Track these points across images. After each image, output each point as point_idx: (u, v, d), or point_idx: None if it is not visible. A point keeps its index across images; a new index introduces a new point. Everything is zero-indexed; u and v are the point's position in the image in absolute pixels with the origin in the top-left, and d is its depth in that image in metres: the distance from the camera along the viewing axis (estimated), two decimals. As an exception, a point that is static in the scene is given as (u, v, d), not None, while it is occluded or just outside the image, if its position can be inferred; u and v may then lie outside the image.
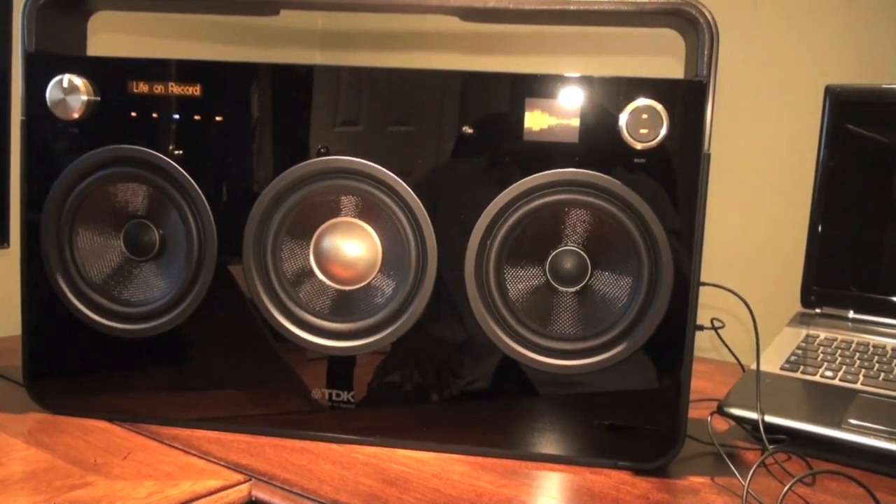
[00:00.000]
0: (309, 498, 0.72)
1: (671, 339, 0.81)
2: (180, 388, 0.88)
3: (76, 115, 0.85)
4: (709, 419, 0.85)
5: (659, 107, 0.78)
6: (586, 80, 0.80)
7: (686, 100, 0.79)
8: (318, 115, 0.84)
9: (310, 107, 0.84)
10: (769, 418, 0.88)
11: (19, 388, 0.90)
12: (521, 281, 0.83)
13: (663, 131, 0.79)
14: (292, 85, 0.85)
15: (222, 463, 0.78)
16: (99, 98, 0.86)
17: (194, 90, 0.85)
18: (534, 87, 0.81)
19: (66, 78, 0.85)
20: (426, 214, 0.82)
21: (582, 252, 0.82)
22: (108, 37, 1.19)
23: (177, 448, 0.81)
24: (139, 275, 0.89)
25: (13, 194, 0.87)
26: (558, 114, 0.80)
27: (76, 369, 0.89)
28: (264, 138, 0.85)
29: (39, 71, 0.86)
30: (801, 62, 1.44)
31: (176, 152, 0.85)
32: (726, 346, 0.95)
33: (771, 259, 1.35)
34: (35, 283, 0.88)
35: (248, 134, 0.85)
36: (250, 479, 0.75)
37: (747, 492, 0.70)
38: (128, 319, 0.88)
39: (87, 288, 0.88)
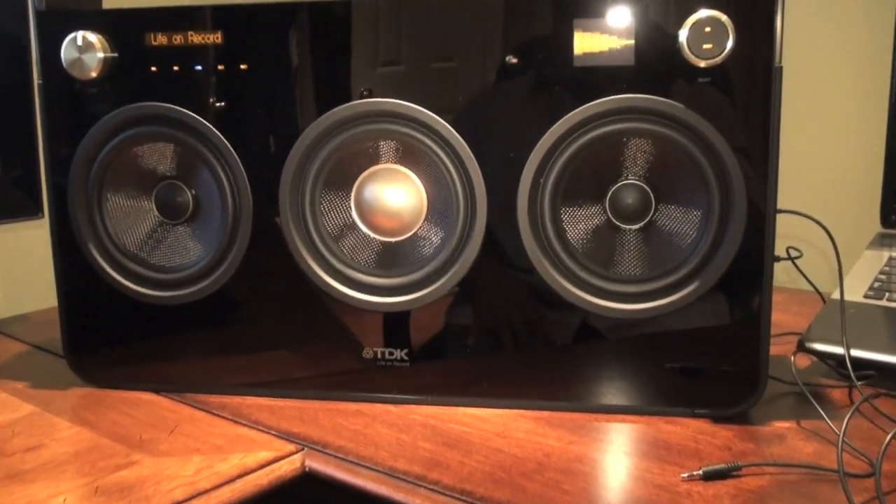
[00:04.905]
0: (365, 466, 0.68)
1: (747, 274, 0.74)
2: (226, 353, 0.84)
3: (94, 74, 0.80)
4: (792, 359, 0.78)
5: (723, 17, 0.70)
6: (640, -6, 0.72)
7: (753, 7, 0.71)
8: (356, 56, 0.78)
9: (345, 48, 0.78)
10: (855, 352, 0.81)
11: (63, 362, 0.87)
12: (580, 221, 0.77)
13: (729, 45, 0.70)
14: (324, 25, 0.78)
15: (273, 432, 0.74)
16: (116, 54, 0.81)
17: (216, 38, 0.79)
18: (581, 5, 0.73)
19: (80, 35, 0.80)
20: (471, 155, 0.76)
21: (644, 185, 0.75)
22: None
23: (226, 418, 0.78)
24: (174, 239, 0.84)
25: (43, 163, 0.83)
26: (610, 34, 0.73)
27: (117, 340, 0.86)
28: (294, 85, 0.79)
29: (51, 29, 0.81)
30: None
31: (202, 106, 0.80)
32: (805, 276, 0.88)
33: (845, 177, 1.26)
34: (67, 254, 0.84)
35: (277, 82, 0.79)
36: (303, 449, 0.71)
37: (843, 440, 0.64)
38: (166, 286, 0.84)
39: (122, 255, 0.84)
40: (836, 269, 0.85)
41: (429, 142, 0.77)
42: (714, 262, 0.74)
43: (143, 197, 0.84)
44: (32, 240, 1.17)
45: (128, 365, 0.85)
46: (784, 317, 1.00)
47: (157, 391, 0.84)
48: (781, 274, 0.95)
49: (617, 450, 0.70)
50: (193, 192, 0.83)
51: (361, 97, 0.77)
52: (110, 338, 0.86)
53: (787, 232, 0.86)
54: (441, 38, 0.76)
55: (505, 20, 0.75)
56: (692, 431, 0.73)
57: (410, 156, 0.79)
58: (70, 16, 0.81)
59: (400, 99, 0.76)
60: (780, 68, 0.71)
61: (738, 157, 0.72)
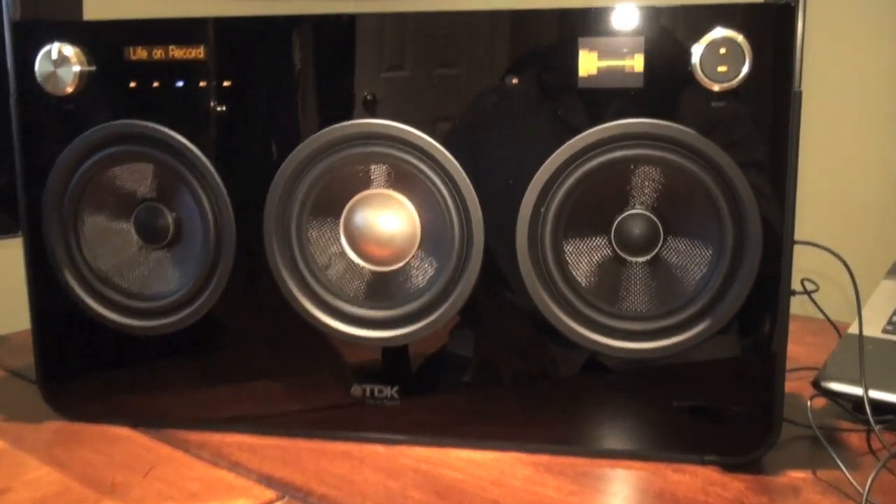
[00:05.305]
0: (350, 518, 0.63)
1: (762, 310, 0.69)
2: (208, 385, 0.79)
3: (70, 90, 0.76)
4: (809, 403, 0.73)
5: (739, 38, 0.66)
6: (650, 11, 0.67)
7: (771, 28, 0.66)
8: (344, 78, 0.73)
9: (334, 69, 0.73)
10: (874, 393, 0.76)
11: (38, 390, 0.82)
12: (583, 253, 0.72)
13: (745, 68, 0.66)
14: (314, 41, 0.74)
15: (254, 476, 0.69)
16: (94, 68, 0.76)
17: (198, 52, 0.74)
18: (586, 23, 0.68)
19: (56, 48, 0.75)
20: (468, 181, 0.71)
21: (652, 216, 0.70)
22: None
23: (204, 459, 0.73)
24: (154, 264, 0.80)
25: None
26: (618, 54, 0.68)
27: (93, 370, 0.81)
28: (281, 104, 0.75)
29: (26, 41, 0.76)
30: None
31: (183, 124, 0.75)
32: (822, 312, 0.83)
33: (861, 204, 1.21)
34: (42, 278, 0.79)
35: (262, 100, 0.75)
36: (283, 497, 0.66)
37: (867, 500, 0.59)
38: (144, 315, 0.79)
39: (98, 281, 0.79)
40: (851, 298, 0.80)
41: (423, 166, 0.72)
42: (726, 300, 0.69)
43: (122, 220, 0.80)
44: (12, 258, 1.12)
45: (104, 397, 0.81)
46: (797, 348, 0.95)
47: (134, 426, 0.80)
48: (793, 302, 0.90)
49: (622, 502, 0.65)
50: (175, 214, 0.79)
51: (364, 103, 0.72)
52: (86, 368, 0.81)
53: (800, 262, 0.81)
54: (442, 51, 0.72)
55: (502, 39, 0.71)
56: (701, 482, 0.68)
57: (403, 181, 0.74)
58: (45, 27, 0.76)
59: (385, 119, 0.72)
60: (800, 93, 0.66)
61: (753, 188, 0.67)
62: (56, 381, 0.81)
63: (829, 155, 1.19)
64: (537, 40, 0.71)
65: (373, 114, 0.72)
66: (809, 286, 0.82)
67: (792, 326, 0.79)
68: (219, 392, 0.79)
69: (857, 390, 0.76)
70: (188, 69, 0.74)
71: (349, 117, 0.72)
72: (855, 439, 0.76)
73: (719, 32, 0.66)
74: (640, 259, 0.71)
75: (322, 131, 0.72)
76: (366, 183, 0.74)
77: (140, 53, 0.75)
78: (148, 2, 1.23)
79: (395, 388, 0.75)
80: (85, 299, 0.79)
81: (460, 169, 0.71)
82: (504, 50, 0.71)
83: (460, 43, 0.71)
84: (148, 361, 0.80)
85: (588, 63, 0.68)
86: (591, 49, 0.68)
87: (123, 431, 0.79)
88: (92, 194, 0.79)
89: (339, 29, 0.73)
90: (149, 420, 0.80)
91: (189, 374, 0.79)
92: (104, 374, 0.81)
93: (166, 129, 0.75)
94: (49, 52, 0.75)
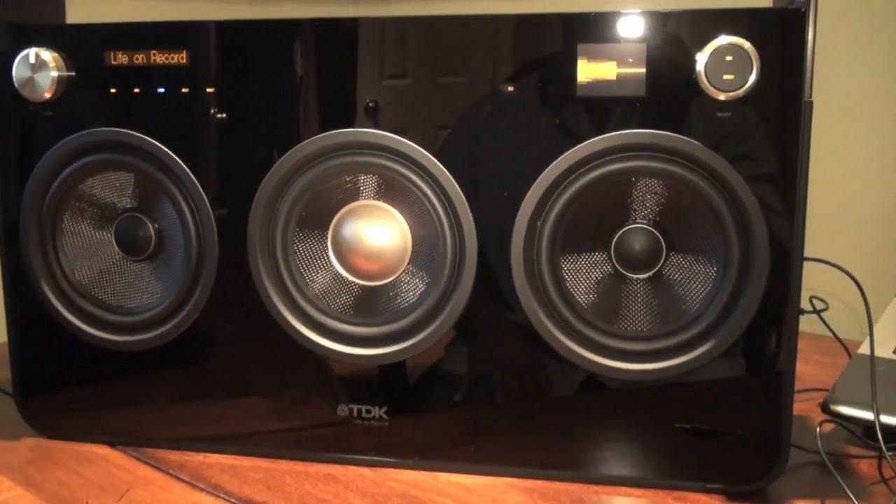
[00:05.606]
0: (332, 549, 0.60)
1: (768, 331, 0.66)
2: (189, 403, 0.76)
3: (48, 95, 0.73)
4: (818, 430, 0.70)
5: (746, 45, 0.62)
6: (653, 17, 0.64)
7: (780, 34, 0.63)
8: (333, 84, 0.70)
9: (322, 74, 0.70)
10: (885, 418, 0.72)
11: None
12: (581, 269, 0.69)
13: (753, 76, 0.62)
14: (301, 46, 0.70)
15: (234, 500, 0.66)
16: (73, 73, 0.73)
17: (180, 58, 0.71)
18: (586, 28, 0.65)
19: (33, 52, 0.72)
20: (461, 193, 0.68)
21: (654, 230, 0.67)
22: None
23: (183, 481, 0.70)
24: (135, 277, 0.76)
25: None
26: (619, 61, 0.65)
27: (71, 386, 0.78)
28: (264, 111, 0.71)
29: (3, 45, 0.73)
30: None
31: (164, 132, 0.72)
32: (832, 331, 0.80)
33: (872, 221, 1.17)
34: (19, 290, 0.77)
35: (245, 107, 0.71)
36: (264, 525, 0.63)
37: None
38: (124, 330, 0.76)
39: (77, 295, 0.76)
40: (859, 316, 0.77)
41: (413, 177, 0.69)
42: (732, 319, 0.66)
43: (102, 230, 0.77)
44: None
45: (83, 413, 0.78)
46: (804, 367, 0.92)
47: (112, 445, 0.76)
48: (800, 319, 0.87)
49: (618, 534, 0.62)
50: (156, 225, 0.75)
51: (366, 110, 0.69)
52: (65, 383, 0.78)
53: (807, 279, 0.77)
54: (445, 57, 0.69)
55: (497, 45, 0.68)
56: (704, 511, 0.64)
57: (394, 192, 0.71)
58: (23, 30, 0.74)
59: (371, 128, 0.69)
60: (810, 103, 0.63)
61: (760, 202, 0.64)
62: (33, 396, 0.78)
63: (837, 167, 1.15)
64: (535, 46, 0.68)
65: (375, 121, 0.69)
66: (818, 304, 0.79)
67: (800, 344, 0.75)
68: (200, 410, 0.76)
69: (867, 414, 0.73)
70: (170, 75, 0.71)
71: (345, 125, 0.69)
72: (865, 466, 0.72)
73: (725, 39, 0.62)
74: (641, 276, 0.68)
75: (306, 140, 0.69)
76: (354, 194, 0.71)
77: (121, 58, 0.72)
78: (138, 6, 1.20)
79: (384, 409, 0.72)
80: (63, 312, 0.76)
81: (452, 180, 0.68)
82: (505, 56, 0.68)
83: (463, 49, 0.68)
84: (128, 377, 0.77)
85: (587, 70, 0.65)
86: (591, 56, 0.65)
87: (101, 450, 0.76)
88: (71, 204, 0.76)
89: (339, 34, 0.70)
90: (128, 438, 0.76)
91: (170, 390, 0.76)
92: (83, 389, 0.78)
93: (147, 138, 0.72)
94: (27, 56, 0.72)
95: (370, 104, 0.69)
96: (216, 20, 0.71)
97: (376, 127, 0.69)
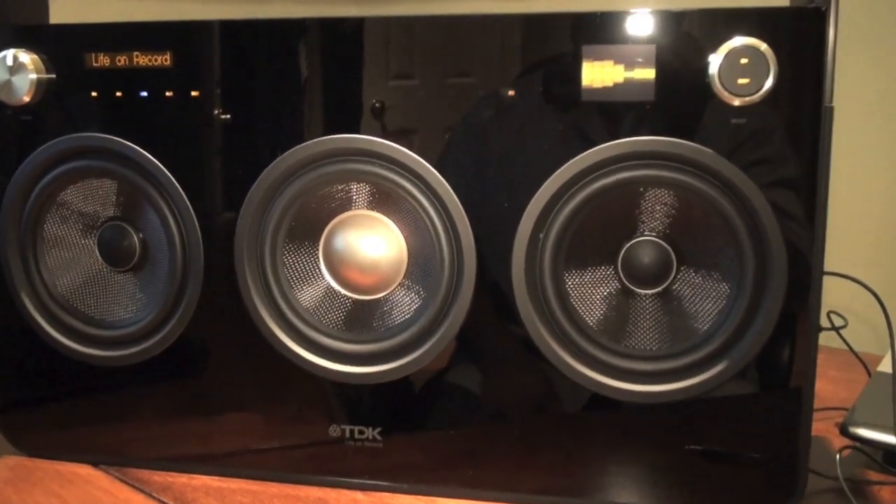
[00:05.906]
0: (319, 584, 0.56)
1: (785, 350, 0.62)
2: (174, 420, 0.72)
3: (27, 99, 0.70)
4: (837, 456, 0.66)
5: (763, 46, 0.58)
6: (663, 16, 0.60)
7: (798, 35, 0.59)
8: (325, 88, 0.66)
9: (314, 77, 0.66)
10: (902, 441, 0.68)
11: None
12: (587, 284, 0.65)
13: (770, 80, 0.58)
14: (287, 48, 0.67)
15: (218, 528, 0.63)
16: (53, 76, 0.70)
17: (164, 59, 0.68)
18: (591, 29, 0.61)
19: (11, 54, 0.69)
20: (458, 203, 0.64)
21: (664, 243, 0.63)
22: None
23: (166, 505, 0.66)
24: (118, 289, 0.73)
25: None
26: (627, 64, 0.61)
27: (53, 401, 0.75)
28: (252, 116, 0.68)
29: (-20, 46, 0.70)
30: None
31: (147, 138, 0.69)
32: (851, 349, 0.76)
33: (890, 233, 1.12)
34: (-1, 303, 0.73)
35: (232, 111, 0.68)
36: (248, 556, 0.60)
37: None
38: (106, 344, 0.72)
39: (58, 308, 0.73)
40: (878, 331, 0.73)
41: (409, 185, 0.65)
42: (746, 338, 0.62)
43: (85, 240, 0.73)
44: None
45: (64, 431, 0.74)
46: (820, 384, 0.86)
47: (95, 464, 0.73)
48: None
49: (624, 568, 0.58)
50: (141, 235, 0.72)
51: (373, 110, 0.65)
52: (46, 398, 0.75)
53: (824, 294, 0.74)
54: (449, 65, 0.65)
55: (498, 47, 0.64)
56: (716, 543, 0.61)
57: (388, 201, 0.67)
58: (0, 31, 0.70)
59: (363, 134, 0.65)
60: (831, 108, 0.59)
61: (777, 214, 0.60)
62: (14, 412, 0.75)
63: (855, 177, 1.10)
64: (539, 47, 0.64)
65: (381, 123, 0.65)
66: (836, 320, 0.75)
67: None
68: (186, 428, 0.72)
69: (889, 438, 0.69)
70: (153, 77, 0.68)
71: (348, 127, 0.65)
72: (886, 494, 0.68)
73: (740, 40, 0.59)
74: (650, 291, 0.64)
75: (296, 147, 0.65)
76: (347, 204, 0.68)
77: (103, 60, 0.69)
78: (128, 6, 1.17)
79: (377, 429, 0.68)
80: (43, 325, 0.73)
81: (449, 189, 0.64)
82: (513, 57, 0.64)
83: (470, 49, 0.64)
84: (112, 393, 0.74)
85: (593, 73, 0.61)
86: (597, 58, 0.61)
87: (83, 470, 0.72)
88: (52, 212, 0.73)
89: (340, 35, 0.66)
90: (111, 458, 0.73)
91: (155, 408, 0.73)
92: (64, 406, 0.75)
93: (130, 143, 0.69)
94: (4, 58, 0.69)
95: (376, 105, 0.65)
96: (202, 20, 0.67)
97: (383, 128, 0.65)
